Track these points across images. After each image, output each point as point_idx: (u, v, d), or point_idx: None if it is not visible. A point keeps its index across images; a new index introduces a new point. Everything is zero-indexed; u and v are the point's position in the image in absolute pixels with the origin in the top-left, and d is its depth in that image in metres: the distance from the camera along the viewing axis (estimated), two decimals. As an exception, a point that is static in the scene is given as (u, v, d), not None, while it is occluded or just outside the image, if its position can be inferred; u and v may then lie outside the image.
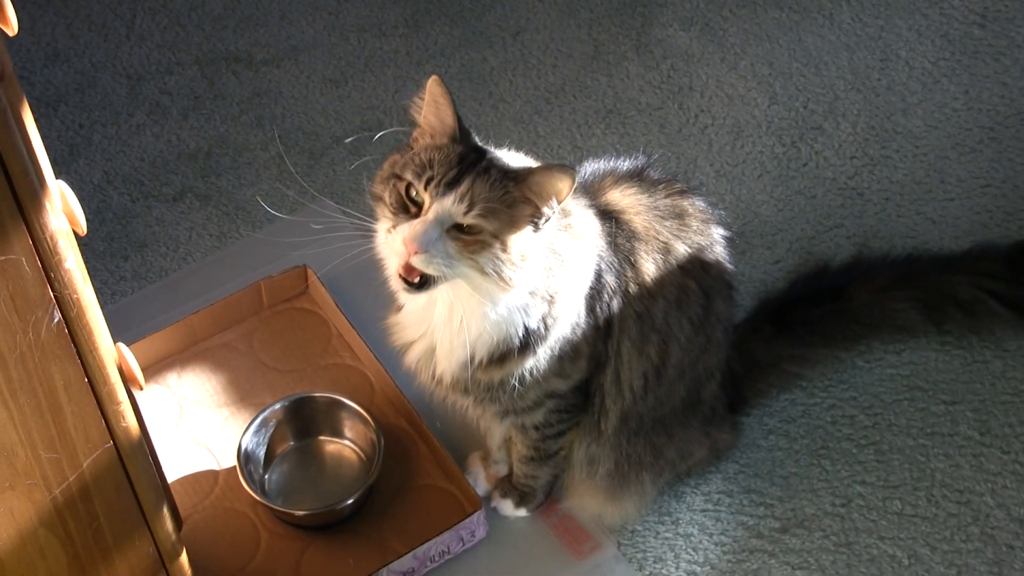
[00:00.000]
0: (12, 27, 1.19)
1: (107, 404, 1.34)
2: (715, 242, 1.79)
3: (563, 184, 1.50)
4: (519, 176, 1.53)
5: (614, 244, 1.68)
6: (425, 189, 1.51)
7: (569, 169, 1.50)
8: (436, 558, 1.89)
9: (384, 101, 2.58)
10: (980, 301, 2.06)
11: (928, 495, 1.98)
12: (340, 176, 2.44)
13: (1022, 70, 2.56)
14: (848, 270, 2.13)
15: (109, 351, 1.33)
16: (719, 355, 1.86)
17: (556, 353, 1.67)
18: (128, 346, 1.45)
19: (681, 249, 1.74)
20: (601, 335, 1.70)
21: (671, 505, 1.98)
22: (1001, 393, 2.08)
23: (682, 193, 1.77)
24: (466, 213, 1.50)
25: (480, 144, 1.59)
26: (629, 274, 1.69)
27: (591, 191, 1.73)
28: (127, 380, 1.41)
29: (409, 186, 1.53)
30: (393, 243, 1.54)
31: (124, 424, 1.37)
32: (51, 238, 1.19)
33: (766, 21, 2.69)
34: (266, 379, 2.12)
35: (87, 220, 1.33)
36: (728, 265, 1.81)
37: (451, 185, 1.50)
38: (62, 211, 1.23)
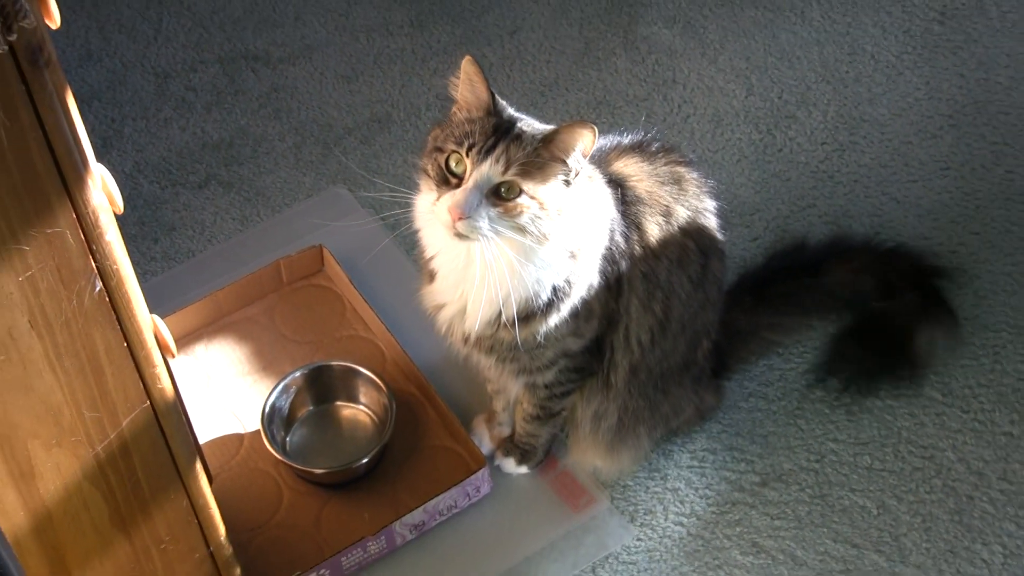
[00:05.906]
0: (55, 21, 1.20)
1: (144, 367, 1.35)
2: (707, 209, 1.79)
3: (585, 137, 1.52)
4: (547, 136, 1.54)
5: (622, 210, 1.69)
6: (467, 156, 1.53)
7: (589, 123, 1.51)
8: (444, 512, 1.91)
9: (392, 95, 2.58)
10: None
11: (895, 451, 2.00)
12: (352, 164, 2.45)
13: (978, 63, 2.57)
14: (823, 249, 2.14)
15: (145, 318, 1.33)
16: (714, 313, 1.87)
17: (572, 312, 1.68)
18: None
19: (681, 212, 1.75)
20: (612, 294, 1.71)
21: (660, 462, 1.99)
22: (961, 357, 2.09)
23: (679, 162, 1.78)
24: (504, 173, 1.52)
25: (514, 113, 1.60)
26: (635, 236, 1.70)
27: (599, 163, 1.74)
28: (161, 348, 1.41)
29: (450, 157, 1.55)
30: (439, 212, 1.55)
31: (160, 386, 1.38)
32: (93, 213, 1.19)
33: (743, 19, 2.70)
34: (286, 350, 2.13)
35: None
36: (719, 235, 1.81)
37: (488, 151, 1.52)
38: (102, 190, 1.24)
